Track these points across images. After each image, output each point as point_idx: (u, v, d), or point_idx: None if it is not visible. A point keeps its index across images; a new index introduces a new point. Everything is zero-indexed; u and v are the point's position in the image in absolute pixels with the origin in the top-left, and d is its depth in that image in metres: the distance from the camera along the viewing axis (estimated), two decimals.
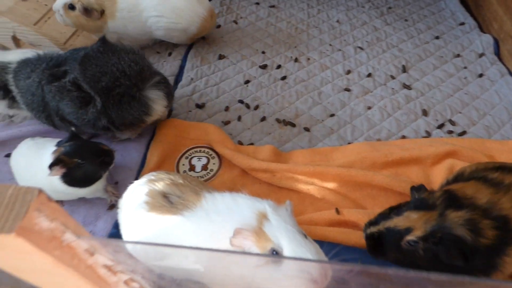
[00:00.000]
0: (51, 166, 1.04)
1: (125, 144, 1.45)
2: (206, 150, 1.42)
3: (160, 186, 0.94)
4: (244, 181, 1.32)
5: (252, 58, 1.85)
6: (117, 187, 1.30)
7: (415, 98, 1.58)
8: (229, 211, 0.83)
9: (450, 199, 0.88)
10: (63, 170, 1.07)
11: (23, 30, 1.49)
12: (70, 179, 1.10)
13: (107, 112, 1.21)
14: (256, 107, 1.60)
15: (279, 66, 1.80)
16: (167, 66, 1.81)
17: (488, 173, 0.94)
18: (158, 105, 1.27)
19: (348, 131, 1.47)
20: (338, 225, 1.14)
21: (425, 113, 1.50)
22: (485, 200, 0.87)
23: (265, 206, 0.80)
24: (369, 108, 1.56)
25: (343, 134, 1.46)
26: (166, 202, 0.89)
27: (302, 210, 1.22)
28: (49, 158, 1.09)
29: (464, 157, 1.28)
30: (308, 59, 1.84)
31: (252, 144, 1.44)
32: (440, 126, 1.45)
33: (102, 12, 1.62)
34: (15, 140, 1.47)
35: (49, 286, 0.51)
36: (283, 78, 1.73)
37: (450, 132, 1.42)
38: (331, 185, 1.25)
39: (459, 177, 1.02)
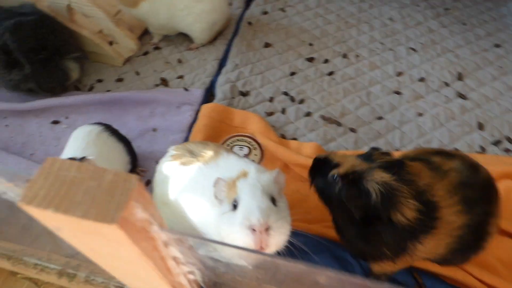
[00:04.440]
0: None
1: (168, 124, 1.44)
2: (248, 140, 1.39)
3: (186, 145, 1.06)
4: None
5: (299, 49, 1.80)
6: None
7: (470, 110, 1.49)
8: (226, 168, 0.92)
9: (392, 164, 0.84)
10: None
11: (77, 0, 1.48)
12: None
13: (36, 78, 1.39)
14: (301, 101, 1.55)
15: (326, 61, 1.74)
16: (212, 49, 1.78)
17: (431, 156, 0.90)
18: (74, 73, 1.51)
19: (396, 136, 1.41)
20: None
21: (480, 126, 1.42)
22: (425, 182, 0.82)
23: (250, 167, 0.86)
24: (420, 114, 1.49)
25: (391, 139, 1.40)
26: (188, 153, 1.00)
27: None
28: None
29: None
30: (357, 56, 1.77)
31: (295, 139, 1.41)
32: (497, 143, 1.37)
33: None
34: (61, 108, 1.48)
35: (122, 274, 0.50)
36: (330, 73, 1.68)
37: (507, 150, 1.34)
38: None
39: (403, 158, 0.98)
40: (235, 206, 0.80)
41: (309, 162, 1.23)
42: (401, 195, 0.78)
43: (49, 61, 1.39)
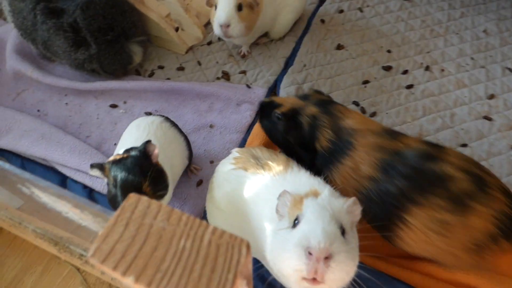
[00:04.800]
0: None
1: (225, 122, 1.34)
2: None
3: (251, 149, 0.98)
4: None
5: (375, 56, 1.62)
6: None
7: None
8: (294, 183, 0.85)
9: (324, 101, 1.01)
10: None
11: None
12: None
13: (100, 59, 1.35)
14: (373, 114, 1.39)
15: (405, 71, 1.55)
16: (280, 45, 1.65)
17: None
18: (137, 57, 1.45)
19: None
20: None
21: None
22: (351, 123, 0.94)
23: (323, 188, 0.80)
24: None
25: None
26: (253, 159, 0.93)
27: None
28: None
29: None
30: (442, 70, 1.56)
31: None
32: None
33: None
34: (120, 92, 1.44)
35: None
36: (409, 86, 1.49)
37: None
38: None
39: None
40: (295, 225, 0.70)
41: None
42: (322, 124, 0.95)
43: (115, 43, 1.34)
